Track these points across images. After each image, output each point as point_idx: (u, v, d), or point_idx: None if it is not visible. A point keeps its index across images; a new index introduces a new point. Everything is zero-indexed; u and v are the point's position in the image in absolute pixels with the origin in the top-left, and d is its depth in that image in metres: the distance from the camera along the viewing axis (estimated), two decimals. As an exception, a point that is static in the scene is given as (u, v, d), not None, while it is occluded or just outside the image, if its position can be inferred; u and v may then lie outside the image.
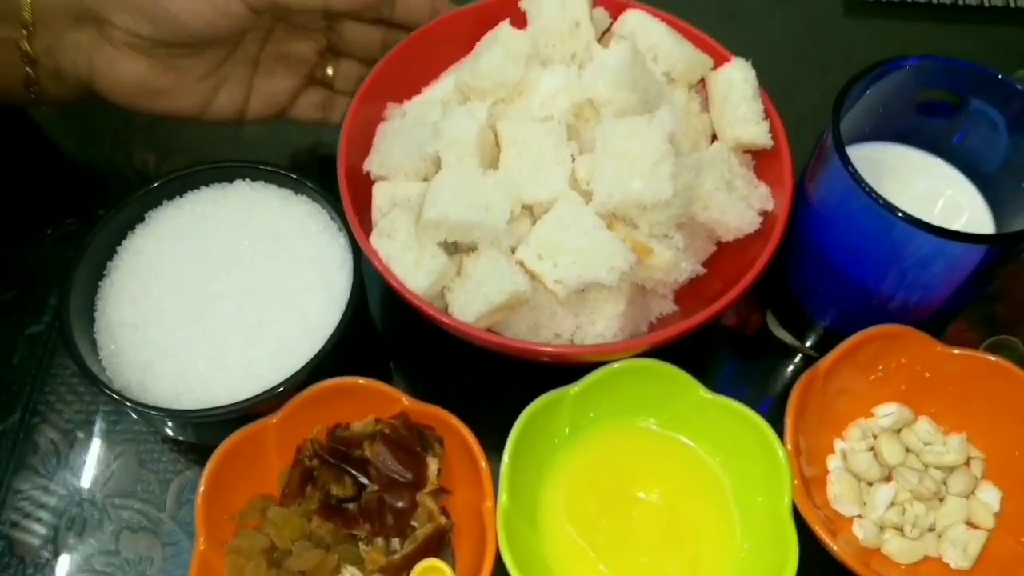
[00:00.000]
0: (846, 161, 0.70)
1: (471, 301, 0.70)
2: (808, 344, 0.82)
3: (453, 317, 0.70)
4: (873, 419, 0.77)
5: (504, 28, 0.77)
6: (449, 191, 0.70)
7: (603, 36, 0.83)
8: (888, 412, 0.77)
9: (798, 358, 0.87)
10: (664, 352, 0.69)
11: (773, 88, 0.78)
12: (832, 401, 0.76)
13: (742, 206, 0.77)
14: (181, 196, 0.80)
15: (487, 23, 0.79)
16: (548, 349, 0.71)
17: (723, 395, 0.73)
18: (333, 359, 0.69)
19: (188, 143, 1.00)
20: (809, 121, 0.82)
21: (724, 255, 0.81)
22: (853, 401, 0.77)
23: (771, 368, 0.85)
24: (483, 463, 0.68)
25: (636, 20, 0.81)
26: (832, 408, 0.76)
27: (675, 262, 0.72)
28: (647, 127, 0.70)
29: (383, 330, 0.87)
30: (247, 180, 0.80)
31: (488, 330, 0.72)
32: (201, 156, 0.95)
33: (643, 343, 0.70)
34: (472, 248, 0.73)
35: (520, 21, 0.78)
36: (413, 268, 0.71)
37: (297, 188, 0.79)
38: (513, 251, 0.72)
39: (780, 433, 0.69)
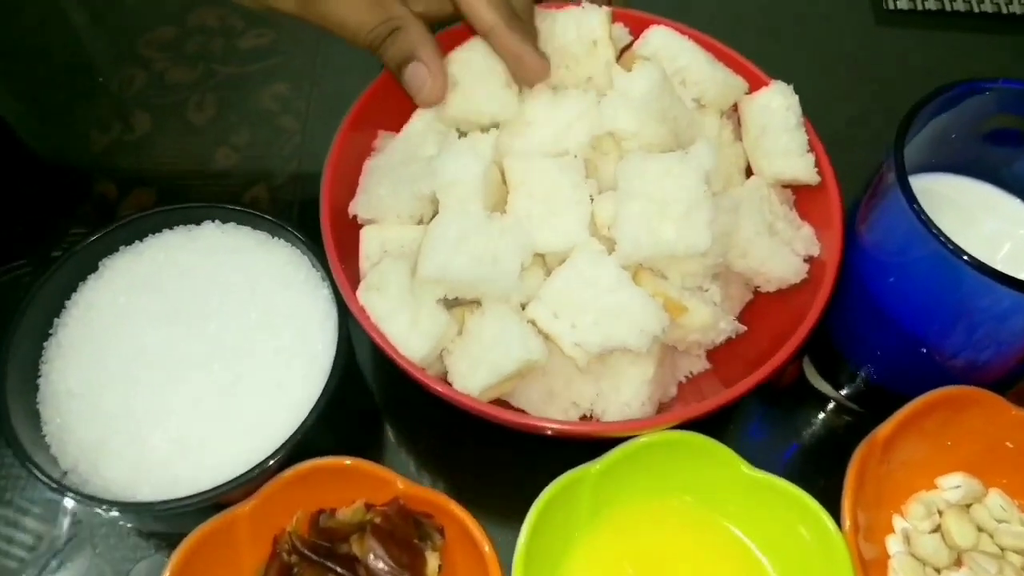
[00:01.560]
0: (911, 199, 0.60)
1: (475, 369, 0.60)
2: (845, 393, 0.74)
3: (454, 388, 0.60)
4: (937, 492, 0.68)
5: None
6: (449, 240, 0.59)
7: (622, 55, 0.73)
8: (955, 484, 0.67)
9: (831, 406, 0.77)
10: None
11: (804, 106, 0.70)
12: (891, 472, 0.67)
13: (785, 252, 0.67)
14: (141, 241, 0.71)
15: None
16: (565, 427, 0.61)
17: (766, 471, 0.63)
18: (316, 434, 0.61)
19: (154, 172, 0.90)
20: (846, 142, 0.73)
21: (763, 305, 0.71)
22: (913, 471, 0.67)
23: (806, 421, 0.77)
24: (492, 561, 0.58)
25: (661, 38, 0.71)
26: (890, 479, 0.67)
27: (712, 321, 0.62)
28: (680, 165, 0.60)
29: (374, 392, 0.77)
30: (217, 222, 0.70)
31: (495, 401, 0.62)
32: (167, 188, 0.86)
33: (675, 418, 0.60)
34: (476, 302, 0.63)
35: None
36: (408, 330, 0.61)
37: (274, 231, 0.69)
38: (523, 307, 0.62)
39: (825, 504, 0.62)
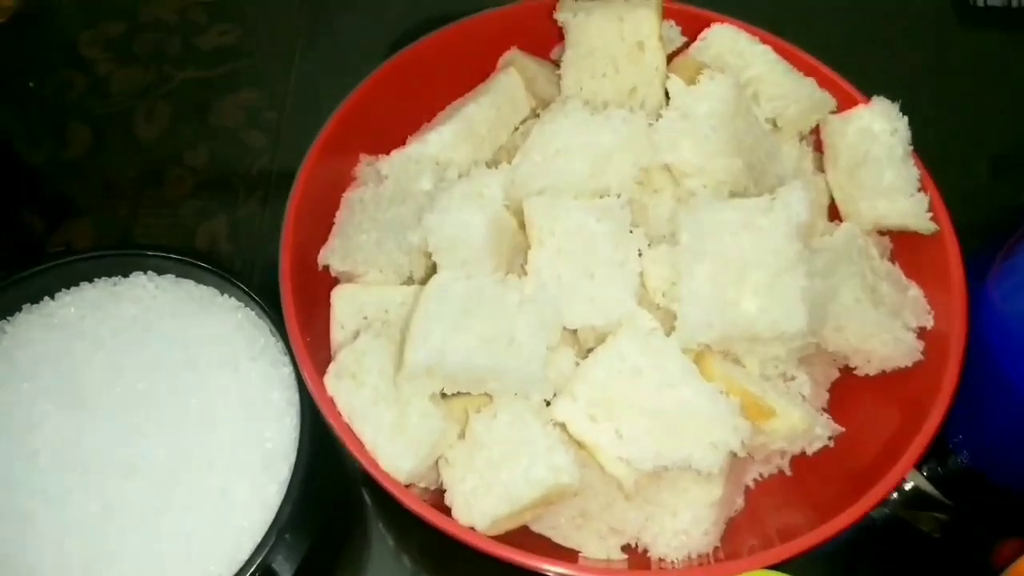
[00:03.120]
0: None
1: (483, 495, 0.45)
2: (928, 473, 0.63)
3: (454, 520, 0.44)
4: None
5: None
6: (447, 316, 0.43)
7: (672, 61, 0.57)
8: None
9: (908, 486, 0.63)
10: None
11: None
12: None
13: (894, 326, 0.51)
14: (52, 298, 0.58)
15: (503, 40, 0.61)
16: (603, 572, 0.44)
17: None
18: (275, 560, 0.49)
19: (91, 199, 0.75)
20: (951, 164, 0.56)
21: (857, 390, 0.55)
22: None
23: (896, 525, 0.64)
24: None
25: (725, 40, 0.56)
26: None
27: (806, 427, 0.46)
28: (765, 216, 0.44)
29: (351, 495, 0.60)
30: (150, 275, 0.56)
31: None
32: (107, 220, 0.70)
33: (754, 564, 0.44)
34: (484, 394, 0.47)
35: (544, 40, 0.58)
36: (391, 435, 0.46)
37: (224, 287, 0.52)
38: (549, 404, 0.46)
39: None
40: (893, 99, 0.56)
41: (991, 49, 0.87)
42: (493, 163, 0.53)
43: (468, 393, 0.47)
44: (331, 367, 0.49)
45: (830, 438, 0.49)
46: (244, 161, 0.76)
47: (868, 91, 0.58)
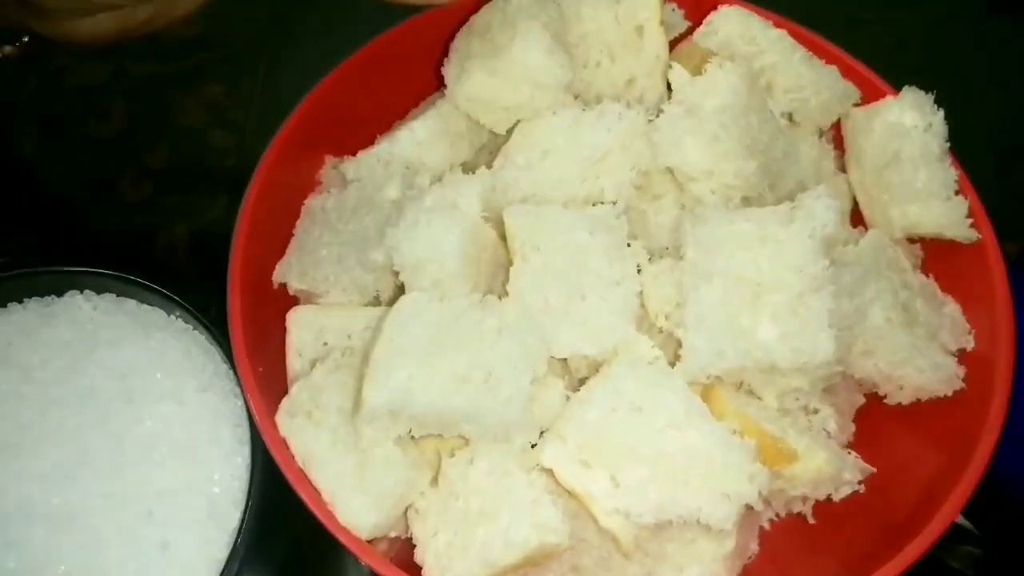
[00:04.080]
0: None
1: (459, 555, 0.38)
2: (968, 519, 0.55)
3: (425, 582, 0.38)
4: None
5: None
6: (414, 348, 0.37)
7: (676, 48, 0.50)
8: None
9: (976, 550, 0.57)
10: None
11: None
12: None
13: (931, 351, 0.44)
14: None
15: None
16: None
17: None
18: None
19: (39, 204, 0.68)
20: (998, 178, 0.50)
21: (886, 420, 0.48)
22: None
23: (928, 562, 0.54)
24: None
25: (735, 24, 0.50)
26: None
27: (832, 470, 0.39)
28: (784, 228, 0.38)
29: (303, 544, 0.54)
30: (87, 294, 0.51)
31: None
32: (53, 228, 0.64)
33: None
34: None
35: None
36: (351, 485, 0.40)
37: (169, 308, 0.46)
38: (534, 447, 0.39)
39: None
40: (927, 91, 0.49)
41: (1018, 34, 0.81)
42: (472, 167, 0.46)
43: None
44: (283, 403, 0.42)
45: (860, 482, 0.42)
46: (207, 163, 0.70)
47: (893, 82, 0.52)
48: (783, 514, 0.49)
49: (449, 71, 0.47)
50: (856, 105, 0.52)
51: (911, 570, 0.58)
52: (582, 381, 0.42)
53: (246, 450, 0.46)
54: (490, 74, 0.44)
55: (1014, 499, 0.56)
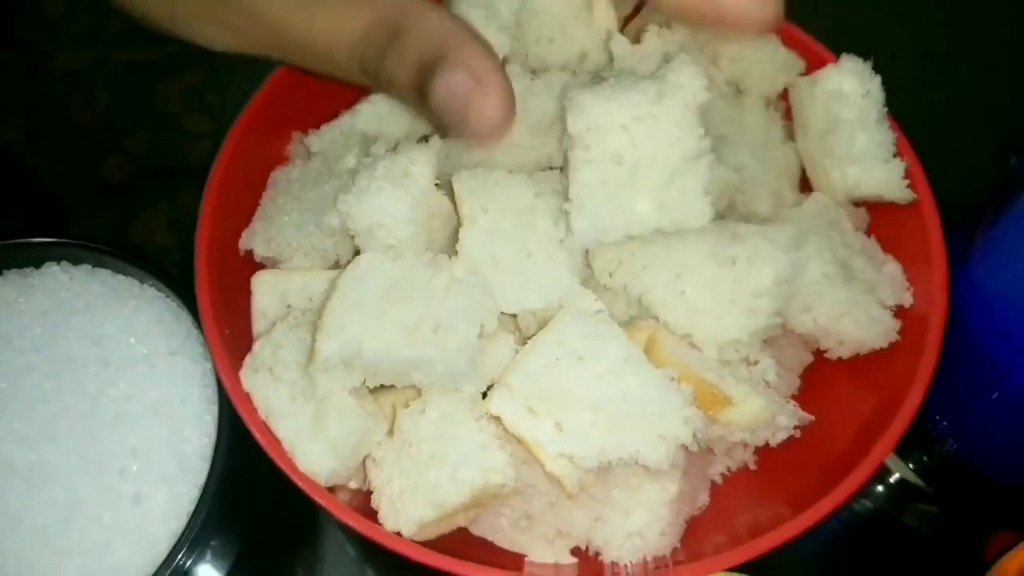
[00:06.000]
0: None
1: (410, 499, 0.40)
2: (914, 467, 0.59)
3: (380, 525, 0.40)
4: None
5: None
6: (366, 303, 0.39)
7: (627, 23, 0.52)
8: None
9: (893, 479, 0.60)
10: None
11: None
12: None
13: (868, 303, 0.46)
14: None
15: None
16: (547, 582, 0.40)
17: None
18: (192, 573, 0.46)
19: (20, 187, 0.70)
20: (932, 143, 0.52)
21: (829, 375, 0.50)
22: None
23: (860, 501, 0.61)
24: None
25: None
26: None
27: (767, 416, 0.41)
28: (657, 105, 0.41)
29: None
30: (63, 265, 0.53)
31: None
32: (35, 209, 0.66)
33: (714, 567, 0.39)
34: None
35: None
36: (309, 435, 0.42)
37: (143, 277, 0.48)
38: (484, 396, 0.42)
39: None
40: (865, 58, 0.51)
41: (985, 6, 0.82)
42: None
43: (394, 387, 0.43)
44: (247, 360, 0.44)
45: (797, 427, 0.44)
46: (184, 147, 0.72)
47: (840, 52, 0.54)
48: (734, 468, 0.51)
49: None
50: (802, 74, 0.54)
51: (867, 526, 0.60)
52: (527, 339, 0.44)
53: (215, 409, 0.48)
54: None
55: (958, 457, 0.58)
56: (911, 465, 0.60)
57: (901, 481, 0.60)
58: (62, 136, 0.73)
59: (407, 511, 0.40)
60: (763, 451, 0.50)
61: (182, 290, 0.51)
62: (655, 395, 0.40)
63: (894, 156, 0.50)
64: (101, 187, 0.70)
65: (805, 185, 0.54)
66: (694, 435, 0.40)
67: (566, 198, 0.43)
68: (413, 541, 0.41)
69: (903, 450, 0.60)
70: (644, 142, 0.41)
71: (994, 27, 0.78)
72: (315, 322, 0.41)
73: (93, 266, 0.53)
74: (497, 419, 0.42)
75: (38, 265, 0.53)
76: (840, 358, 0.49)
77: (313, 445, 0.41)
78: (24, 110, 0.74)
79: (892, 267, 0.51)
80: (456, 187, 0.44)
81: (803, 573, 0.59)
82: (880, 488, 0.61)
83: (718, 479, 0.51)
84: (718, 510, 0.49)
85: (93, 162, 0.71)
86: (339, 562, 0.57)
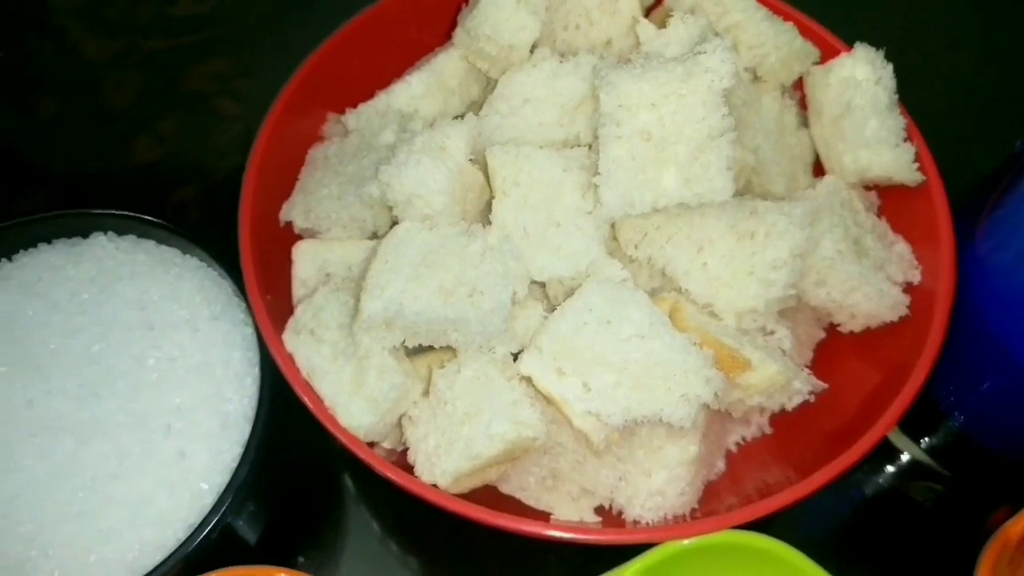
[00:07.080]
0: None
1: (445, 451, 0.42)
2: (926, 446, 0.61)
3: (416, 477, 0.42)
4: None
5: None
6: (406, 267, 0.41)
7: (652, 12, 0.55)
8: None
9: (904, 459, 0.62)
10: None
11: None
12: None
13: (878, 279, 0.49)
14: (10, 260, 0.56)
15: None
16: (572, 536, 0.42)
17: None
18: (236, 524, 0.48)
19: (55, 168, 0.73)
20: (945, 129, 0.54)
21: (841, 349, 0.53)
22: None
23: (872, 479, 0.62)
24: None
25: None
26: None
27: (783, 380, 0.44)
28: (685, 84, 0.44)
29: (316, 463, 0.58)
30: (110, 235, 0.56)
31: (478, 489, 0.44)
32: (69, 189, 0.71)
33: (728, 522, 0.42)
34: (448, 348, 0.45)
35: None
36: (350, 391, 0.44)
37: (186, 247, 0.51)
38: (516, 358, 0.44)
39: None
40: (878, 47, 0.54)
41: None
42: (462, 112, 0.51)
43: (432, 348, 0.45)
44: (289, 323, 0.47)
45: (811, 393, 0.47)
46: (215, 129, 0.74)
47: (853, 43, 0.56)
48: (748, 437, 0.53)
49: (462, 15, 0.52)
50: (816, 64, 0.57)
51: (876, 501, 0.62)
52: (556, 305, 0.46)
53: (256, 371, 0.51)
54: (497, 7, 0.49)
55: (966, 434, 0.60)
56: (922, 445, 0.62)
57: (912, 461, 0.62)
58: (95, 120, 0.75)
59: (443, 464, 0.42)
60: (776, 421, 0.53)
61: (223, 260, 0.53)
62: (678, 357, 0.42)
63: (904, 140, 0.53)
64: (133, 168, 0.72)
65: (819, 172, 0.57)
66: (715, 394, 0.42)
67: (594, 172, 0.46)
68: (448, 493, 0.43)
69: (912, 428, 0.62)
70: (671, 119, 0.44)
71: (1001, 15, 0.81)
72: (357, 284, 0.44)
73: (138, 236, 0.55)
74: (528, 379, 0.44)
75: (86, 235, 0.55)
76: (852, 332, 0.52)
77: (354, 401, 0.44)
78: (57, 95, 0.76)
79: (901, 246, 0.53)
80: (489, 161, 0.46)
81: (813, 545, 0.61)
82: (891, 467, 0.63)
83: (733, 448, 0.53)
84: (734, 476, 0.52)
85: (125, 144, 0.73)
86: (364, 538, 0.59)
